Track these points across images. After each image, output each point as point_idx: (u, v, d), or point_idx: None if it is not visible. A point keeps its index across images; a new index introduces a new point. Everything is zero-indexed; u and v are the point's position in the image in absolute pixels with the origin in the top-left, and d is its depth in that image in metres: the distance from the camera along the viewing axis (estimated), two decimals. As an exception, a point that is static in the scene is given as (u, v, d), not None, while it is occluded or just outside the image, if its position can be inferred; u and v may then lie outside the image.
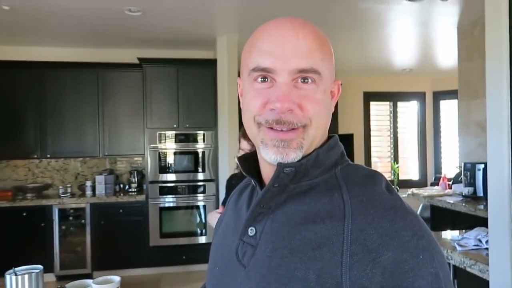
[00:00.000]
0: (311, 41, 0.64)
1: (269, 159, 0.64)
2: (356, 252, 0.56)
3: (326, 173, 0.66)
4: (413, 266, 0.55)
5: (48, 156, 4.46)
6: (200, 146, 4.51)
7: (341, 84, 0.73)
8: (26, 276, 1.08)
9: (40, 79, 4.37)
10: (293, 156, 0.63)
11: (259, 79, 0.64)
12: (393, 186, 0.67)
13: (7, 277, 1.08)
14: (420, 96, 7.00)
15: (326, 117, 0.67)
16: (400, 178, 6.65)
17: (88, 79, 4.46)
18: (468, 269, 1.85)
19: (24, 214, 4.09)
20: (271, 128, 0.63)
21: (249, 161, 0.73)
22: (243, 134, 2.23)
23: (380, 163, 6.96)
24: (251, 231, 0.66)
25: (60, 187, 4.50)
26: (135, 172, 4.74)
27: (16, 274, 1.07)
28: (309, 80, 0.63)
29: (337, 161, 0.68)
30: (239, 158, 0.73)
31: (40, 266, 1.20)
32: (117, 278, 1.11)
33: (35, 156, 4.42)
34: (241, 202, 0.76)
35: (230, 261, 0.67)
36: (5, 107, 4.32)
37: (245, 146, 2.20)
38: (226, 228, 0.75)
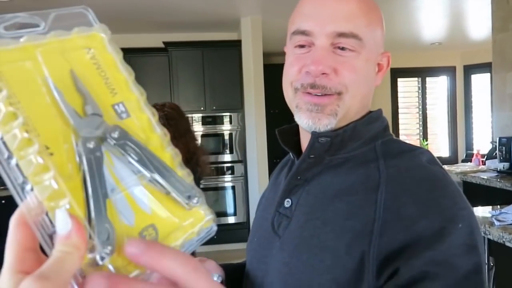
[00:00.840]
0: (354, 5, 0.62)
1: (302, 123, 0.64)
2: (389, 219, 0.54)
3: (365, 146, 0.64)
4: (447, 230, 0.52)
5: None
6: (227, 127, 4.54)
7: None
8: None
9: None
10: (326, 122, 0.62)
11: (299, 44, 0.64)
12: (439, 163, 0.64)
13: None
14: (450, 71, 6.77)
15: (365, 88, 0.65)
16: (429, 155, 6.52)
17: (116, 65, 4.54)
18: (508, 244, 1.82)
19: (3, 201, 4.25)
20: (307, 92, 0.63)
21: (289, 134, 0.73)
22: None
23: (409, 141, 6.81)
24: (287, 203, 0.66)
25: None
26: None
27: None
28: (349, 47, 0.61)
29: (378, 134, 0.66)
30: (278, 131, 0.73)
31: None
32: None
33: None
34: (281, 177, 0.77)
35: (267, 232, 0.68)
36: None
37: None
38: (266, 202, 0.76)
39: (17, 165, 0.27)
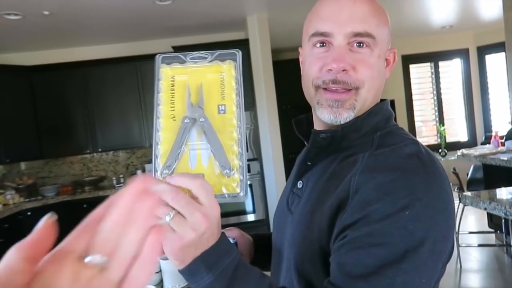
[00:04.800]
0: (367, 8, 0.69)
1: (324, 118, 0.71)
2: (354, 200, 0.62)
3: (365, 137, 0.71)
4: (392, 215, 0.58)
5: (100, 150, 4.70)
6: (240, 127, 4.57)
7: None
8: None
9: (84, 78, 4.57)
10: (346, 116, 0.69)
11: (318, 45, 0.71)
12: (431, 152, 0.67)
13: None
14: (463, 53, 6.65)
15: (378, 82, 0.72)
16: (447, 140, 6.42)
17: (128, 72, 4.61)
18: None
19: (85, 205, 4.37)
20: (327, 89, 0.70)
21: (303, 124, 0.81)
22: None
23: (425, 127, 6.74)
24: (299, 184, 0.77)
25: (114, 178, 4.76)
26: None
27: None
28: (364, 44, 0.68)
29: (378, 126, 0.72)
30: (294, 121, 0.81)
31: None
32: None
33: (88, 151, 4.68)
34: (298, 161, 0.87)
35: (284, 208, 0.79)
36: (55, 108, 4.58)
37: None
38: (287, 183, 0.86)
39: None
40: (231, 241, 0.75)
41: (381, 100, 0.77)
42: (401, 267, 0.57)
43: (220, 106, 0.56)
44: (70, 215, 4.64)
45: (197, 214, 0.49)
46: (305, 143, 0.79)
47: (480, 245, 3.81)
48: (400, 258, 0.57)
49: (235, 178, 0.54)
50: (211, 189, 0.50)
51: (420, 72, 6.68)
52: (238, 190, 0.54)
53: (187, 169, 0.54)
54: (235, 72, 0.58)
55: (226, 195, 0.54)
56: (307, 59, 0.73)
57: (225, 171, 0.54)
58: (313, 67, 0.71)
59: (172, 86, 0.58)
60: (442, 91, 6.66)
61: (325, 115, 0.70)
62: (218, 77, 0.58)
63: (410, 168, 0.62)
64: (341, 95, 0.69)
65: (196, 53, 0.59)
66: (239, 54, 0.59)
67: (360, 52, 0.69)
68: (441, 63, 6.66)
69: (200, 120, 0.55)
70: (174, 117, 0.56)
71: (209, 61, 0.58)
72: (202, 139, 0.55)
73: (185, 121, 0.55)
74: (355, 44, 0.68)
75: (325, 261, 0.65)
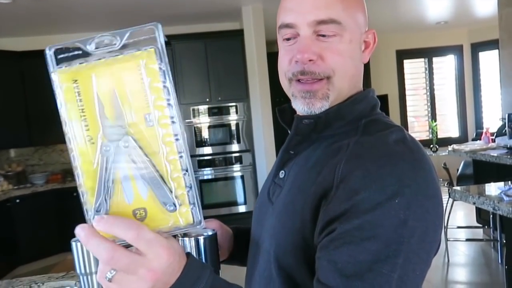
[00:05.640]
0: None
1: (298, 109, 0.70)
2: (339, 189, 0.60)
3: (349, 125, 0.69)
4: (382, 204, 0.56)
5: (90, 138, 4.66)
6: (233, 117, 4.56)
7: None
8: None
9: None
10: (319, 105, 0.68)
11: (286, 37, 0.69)
12: (416, 140, 0.65)
13: (73, 243, 1.18)
14: (457, 50, 6.67)
15: (352, 68, 0.69)
16: (439, 136, 6.47)
17: (120, 60, 4.56)
18: (516, 220, 1.82)
19: (74, 194, 4.32)
20: (299, 81, 0.68)
21: (287, 113, 0.79)
22: None
23: (417, 123, 6.78)
24: (281, 174, 0.74)
25: (104, 167, 4.72)
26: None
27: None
28: (329, 34, 0.66)
29: (363, 114, 0.70)
30: (278, 109, 0.79)
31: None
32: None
33: (79, 139, 4.64)
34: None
35: (264, 199, 0.77)
36: (46, 95, 4.50)
37: None
38: (269, 173, 0.83)
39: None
40: (210, 232, 0.72)
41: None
42: (396, 262, 0.55)
43: (147, 116, 0.42)
44: (59, 203, 4.61)
45: (141, 271, 0.43)
46: (289, 132, 0.77)
47: (468, 240, 3.86)
48: (394, 252, 0.55)
49: (182, 212, 0.43)
50: (151, 236, 0.42)
51: (414, 68, 6.70)
52: (190, 220, 0.44)
53: (124, 207, 0.43)
54: (158, 60, 0.42)
55: (178, 228, 0.44)
56: (280, 52, 0.72)
57: (169, 208, 0.43)
58: (283, 60, 0.70)
59: (78, 96, 0.42)
60: (435, 87, 6.70)
61: (299, 107, 0.69)
62: (137, 75, 0.42)
63: (397, 154, 0.61)
64: (312, 85, 0.67)
65: (100, 36, 0.42)
66: (158, 29, 0.42)
67: (327, 41, 0.66)
68: (435, 59, 6.69)
69: (124, 145, 0.42)
70: (91, 139, 0.42)
71: (119, 48, 0.42)
72: (132, 166, 0.43)
73: (104, 149, 0.42)
74: (321, 32, 0.66)
75: (307, 253, 0.63)
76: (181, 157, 0.43)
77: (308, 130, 0.70)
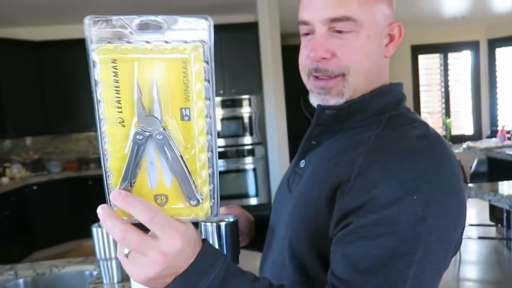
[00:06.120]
0: None
1: (314, 104, 0.71)
2: (356, 182, 0.59)
3: (373, 118, 0.69)
4: (400, 200, 0.55)
5: (105, 128, 4.72)
6: (246, 110, 4.57)
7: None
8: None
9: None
10: (333, 102, 0.68)
11: (304, 33, 0.70)
12: (441, 136, 0.65)
13: (93, 229, 1.21)
14: (473, 45, 6.57)
15: (368, 65, 0.68)
16: (452, 133, 6.41)
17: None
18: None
19: (90, 182, 4.42)
20: (316, 77, 0.69)
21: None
22: None
23: (431, 119, 6.71)
24: (302, 163, 0.75)
25: (119, 157, 4.78)
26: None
27: (100, 227, 1.19)
28: (345, 30, 0.65)
29: (388, 108, 0.70)
30: (303, 99, 0.79)
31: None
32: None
33: (93, 129, 4.69)
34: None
35: (284, 188, 0.78)
36: (62, 84, 4.58)
37: None
38: (291, 164, 0.84)
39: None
40: (232, 219, 0.75)
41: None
42: (412, 259, 0.54)
43: (183, 110, 0.42)
44: (74, 191, 4.69)
45: (153, 254, 0.44)
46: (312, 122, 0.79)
47: (480, 238, 3.84)
48: (411, 249, 0.54)
49: (204, 206, 0.45)
50: (166, 221, 0.44)
51: (429, 63, 6.62)
52: (209, 214, 0.46)
53: (147, 191, 0.44)
54: (205, 57, 0.42)
55: (197, 219, 0.46)
56: (301, 46, 0.73)
57: (192, 203, 0.45)
58: (302, 54, 0.71)
59: (115, 77, 0.42)
60: (450, 83, 6.61)
61: (314, 102, 0.70)
62: (180, 68, 0.42)
63: (418, 149, 0.60)
64: (327, 82, 0.68)
65: (145, 18, 0.41)
66: (210, 24, 0.41)
67: (342, 37, 0.65)
68: (450, 55, 6.59)
69: (158, 138, 0.43)
70: (122, 121, 0.43)
71: (163, 34, 0.41)
72: (161, 157, 0.43)
73: (137, 137, 0.42)
74: (336, 29, 0.65)
75: (320, 242, 0.63)
76: (211, 155, 0.44)
77: (330, 120, 0.69)
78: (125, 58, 0.41)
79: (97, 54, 0.41)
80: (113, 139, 0.43)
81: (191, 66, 0.42)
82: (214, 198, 0.45)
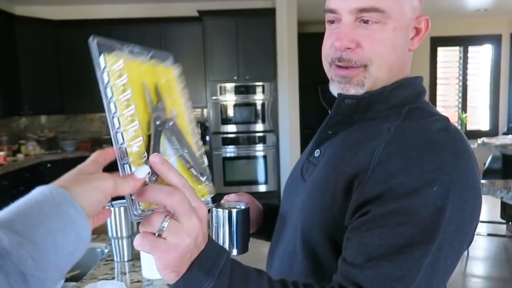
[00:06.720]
0: None
1: (334, 92, 0.71)
2: (375, 172, 0.60)
3: (392, 110, 0.68)
4: (420, 190, 0.56)
5: (119, 109, 4.76)
6: (259, 97, 4.56)
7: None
8: (122, 208, 1.25)
9: (108, 36, 4.56)
10: (353, 91, 0.68)
11: (330, 20, 0.69)
12: (460, 130, 0.65)
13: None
14: (495, 39, 6.40)
15: (392, 57, 0.67)
16: (467, 128, 6.31)
17: (152, 35, 4.60)
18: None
19: (102, 162, 4.47)
20: (337, 65, 0.69)
21: (329, 92, 0.78)
22: None
23: (446, 113, 6.58)
24: (316, 153, 0.75)
25: (131, 138, 4.83)
26: (198, 124, 4.94)
27: (113, 206, 1.22)
28: (372, 20, 0.65)
29: (408, 100, 0.69)
30: (321, 88, 0.79)
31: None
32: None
33: (108, 110, 4.75)
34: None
35: (297, 176, 0.78)
36: (79, 64, 4.61)
37: None
38: (304, 152, 0.84)
39: (121, 133, 0.48)
40: (243, 206, 0.75)
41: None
42: (429, 248, 0.55)
43: (172, 112, 0.52)
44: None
45: (194, 219, 0.46)
46: (329, 111, 0.78)
47: (489, 235, 3.81)
48: (428, 238, 0.55)
49: (208, 185, 0.54)
50: (193, 191, 0.48)
51: (448, 56, 6.48)
52: (213, 193, 0.55)
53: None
54: (176, 77, 0.55)
55: (205, 199, 0.54)
56: (325, 34, 0.72)
57: (203, 178, 0.53)
58: (326, 43, 0.70)
59: (121, 79, 0.48)
60: (468, 77, 6.48)
61: (334, 90, 0.70)
62: (171, 79, 0.55)
63: (439, 142, 0.60)
64: (349, 71, 0.67)
65: (133, 46, 0.52)
66: (172, 58, 0.56)
67: (368, 28, 0.65)
68: (470, 48, 6.44)
69: (169, 124, 0.51)
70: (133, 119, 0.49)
71: (148, 59, 0.53)
72: (166, 145, 0.50)
73: (157, 123, 0.49)
74: (363, 19, 0.65)
75: (333, 231, 0.64)
76: (200, 146, 0.55)
77: (349, 110, 0.69)
78: (130, 64, 0.50)
79: (109, 60, 0.49)
80: (142, 123, 0.50)
81: (170, 77, 0.56)
82: (209, 181, 0.54)
